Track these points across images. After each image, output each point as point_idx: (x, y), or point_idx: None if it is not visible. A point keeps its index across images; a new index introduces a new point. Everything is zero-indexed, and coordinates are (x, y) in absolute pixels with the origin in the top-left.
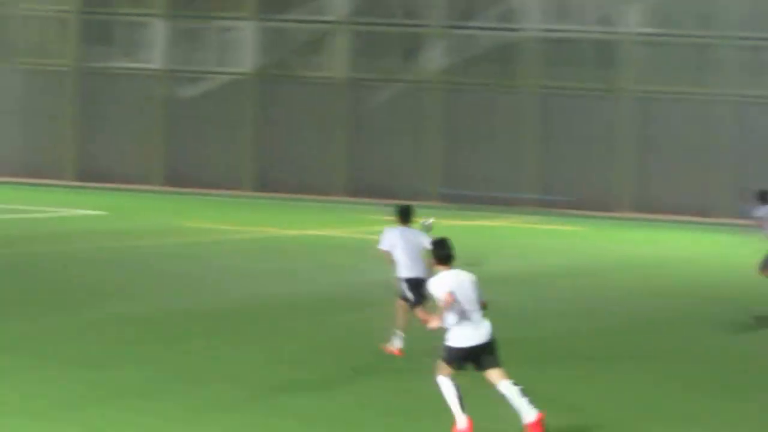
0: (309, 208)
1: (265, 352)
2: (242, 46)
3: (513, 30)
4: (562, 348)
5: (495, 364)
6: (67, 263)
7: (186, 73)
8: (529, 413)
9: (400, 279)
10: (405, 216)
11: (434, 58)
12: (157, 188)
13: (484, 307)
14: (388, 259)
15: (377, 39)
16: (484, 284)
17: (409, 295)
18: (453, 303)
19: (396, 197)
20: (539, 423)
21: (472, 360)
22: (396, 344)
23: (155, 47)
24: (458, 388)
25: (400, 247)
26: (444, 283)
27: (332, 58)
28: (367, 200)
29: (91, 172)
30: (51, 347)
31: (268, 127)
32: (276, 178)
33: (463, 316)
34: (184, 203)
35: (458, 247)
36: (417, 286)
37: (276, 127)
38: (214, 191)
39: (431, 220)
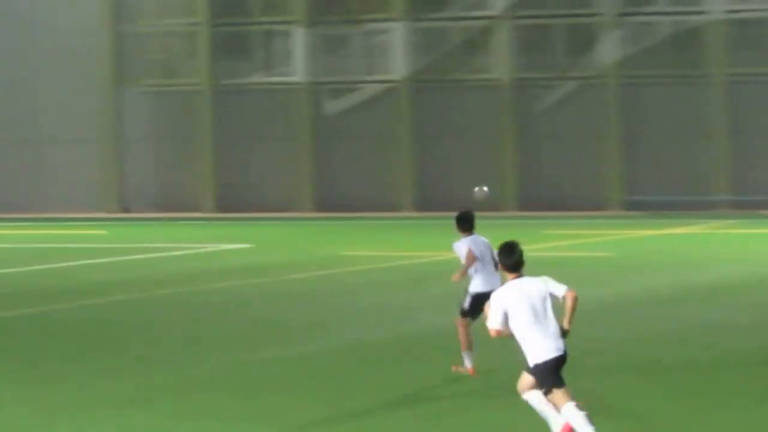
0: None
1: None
2: (392, 50)
3: (696, 13)
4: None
5: (562, 382)
6: (242, 300)
7: (331, 85)
8: None
9: (470, 293)
10: (469, 223)
11: (608, 51)
12: (304, 215)
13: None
14: (468, 267)
15: (542, 33)
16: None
17: (468, 308)
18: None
19: (572, 209)
20: None
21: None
22: (467, 364)
23: (296, 58)
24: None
25: (479, 257)
26: (505, 296)
27: (493, 58)
28: (539, 214)
29: (230, 202)
30: (278, 380)
31: (425, 139)
32: (437, 196)
33: (539, 328)
34: (334, 230)
35: (645, 258)
36: (484, 300)
37: (434, 139)
38: (367, 214)
39: (485, 189)
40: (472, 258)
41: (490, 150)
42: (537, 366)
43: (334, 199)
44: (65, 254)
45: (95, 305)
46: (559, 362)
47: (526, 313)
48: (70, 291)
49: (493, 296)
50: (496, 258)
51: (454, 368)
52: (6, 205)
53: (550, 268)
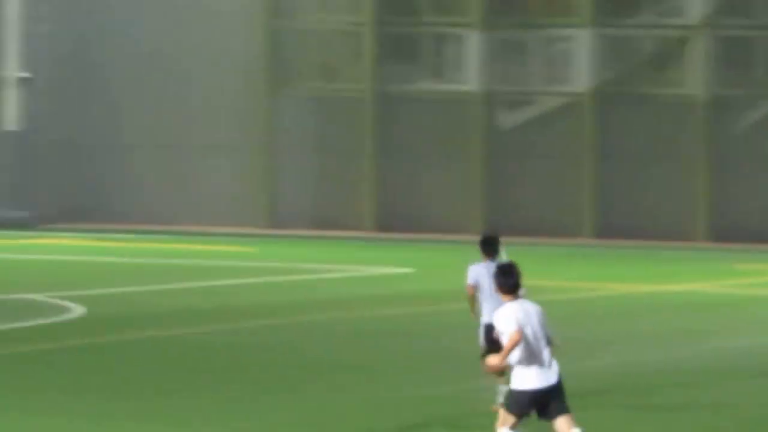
0: (661, 257)
1: None
2: (575, 59)
3: None
4: None
5: (564, 410)
6: (403, 330)
7: (506, 96)
8: None
9: (482, 324)
10: (489, 248)
11: None
12: (472, 238)
13: (551, 343)
14: (470, 298)
15: (744, 46)
16: None
17: (483, 342)
18: (520, 340)
19: None
20: None
21: (538, 406)
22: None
23: (468, 64)
24: None
25: (486, 285)
26: (510, 317)
27: (688, 72)
28: (733, 246)
29: (391, 220)
30: None
31: (608, 159)
32: (618, 222)
33: (530, 354)
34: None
35: None
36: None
37: (618, 159)
38: (541, 240)
39: None
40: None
41: (680, 173)
42: (517, 391)
43: (506, 221)
44: (211, 272)
45: (241, 329)
46: (546, 393)
47: (527, 336)
48: (214, 312)
49: (501, 311)
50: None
51: (492, 408)
52: (147, 215)
53: (743, 308)
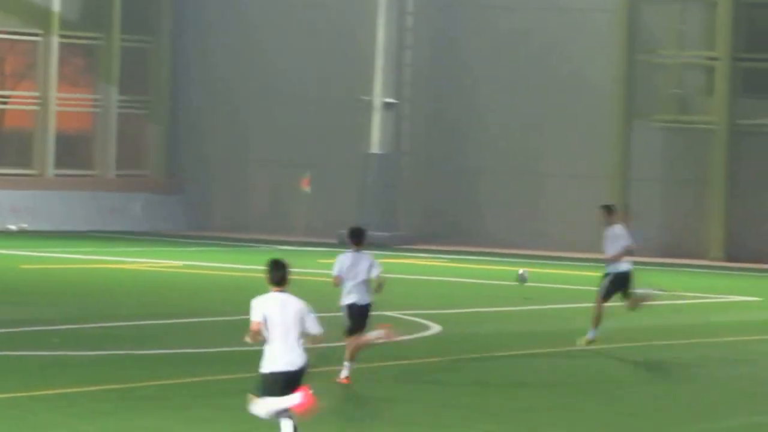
0: None
1: None
2: None
3: None
4: None
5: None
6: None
7: None
8: None
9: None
10: (356, 238)
11: None
12: None
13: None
14: (336, 285)
15: None
16: None
17: (348, 322)
18: (257, 331)
19: None
20: None
21: (283, 387)
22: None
23: None
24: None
25: (351, 271)
26: (258, 308)
27: None
28: None
29: (740, 251)
30: None
31: None
32: None
33: (280, 341)
34: None
35: None
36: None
37: None
38: None
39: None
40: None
41: None
42: (263, 375)
43: None
44: (561, 295)
45: (588, 351)
46: (287, 377)
47: (278, 325)
48: (559, 335)
49: (256, 300)
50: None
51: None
52: (497, 238)
53: None
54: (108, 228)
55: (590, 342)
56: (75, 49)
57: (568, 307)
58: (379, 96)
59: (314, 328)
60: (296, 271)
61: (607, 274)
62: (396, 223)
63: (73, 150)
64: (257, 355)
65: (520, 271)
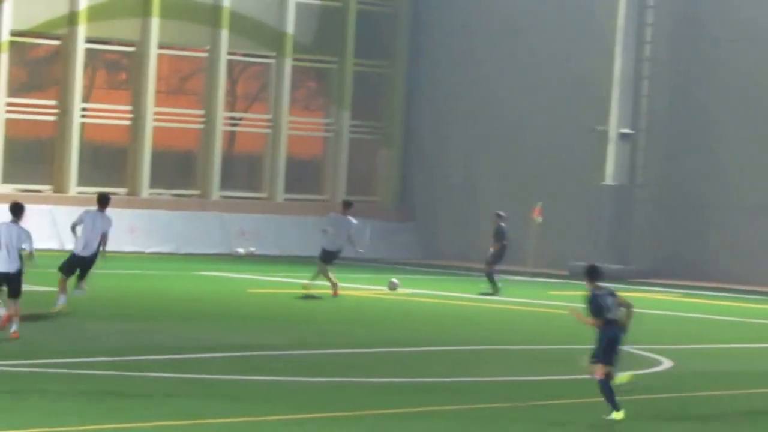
0: None
1: None
2: None
3: None
4: None
5: (15, 294)
6: None
7: None
8: None
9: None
10: (103, 202)
11: None
12: None
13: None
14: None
15: None
16: None
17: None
18: None
19: None
20: None
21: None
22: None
23: None
24: None
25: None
26: None
27: None
28: None
29: None
30: None
31: None
32: None
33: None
34: None
35: None
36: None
37: None
38: None
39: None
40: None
41: None
42: None
43: None
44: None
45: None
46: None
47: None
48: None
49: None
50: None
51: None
52: (731, 276)
53: None
54: None
55: None
56: (307, 72)
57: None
58: (614, 127)
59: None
60: (525, 302)
61: None
62: (629, 256)
63: (303, 174)
64: (471, 387)
65: (393, 280)
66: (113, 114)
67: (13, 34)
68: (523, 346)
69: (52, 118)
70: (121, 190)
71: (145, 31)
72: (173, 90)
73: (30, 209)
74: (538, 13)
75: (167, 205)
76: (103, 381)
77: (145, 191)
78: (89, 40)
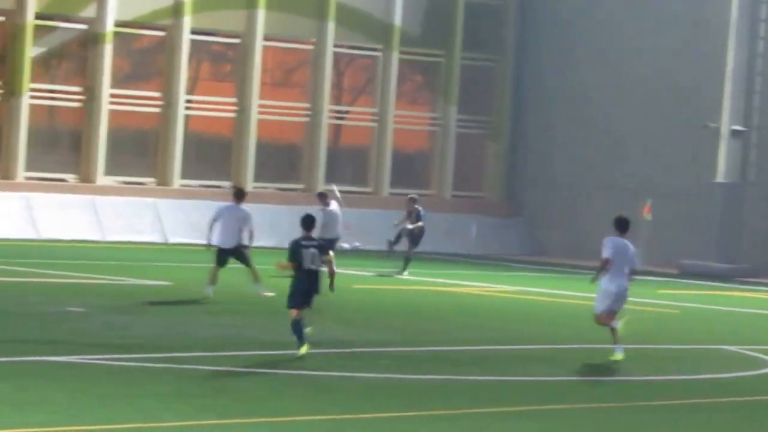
0: None
1: None
2: None
3: None
4: None
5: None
6: None
7: None
8: None
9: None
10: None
11: None
12: None
13: None
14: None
15: None
16: None
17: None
18: None
19: None
20: None
21: None
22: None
23: None
24: None
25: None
26: None
27: None
28: None
29: None
30: None
31: None
32: None
33: None
34: None
35: None
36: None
37: None
38: None
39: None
40: None
41: None
42: None
43: None
44: None
45: None
46: None
47: None
48: None
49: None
50: None
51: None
52: None
53: None
54: (440, 250)
55: None
56: (415, 65)
57: None
58: (726, 123)
59: None
60: (634, 301)
61: None
62: (740, 255)
63: (409, 169)
64: (576, 386)
65: (357, 243)
66: (218, 106)
67: (118, 24)
68: (632, 345)
69: (156, 110)
70: (225, 184)
71: (250, 22)
72: (278, 82)
73: (133, 202)
74: (645, 8)
75: (272, 199)
76: (204, 377)
77: (250, 185)
78: (194, 32)
